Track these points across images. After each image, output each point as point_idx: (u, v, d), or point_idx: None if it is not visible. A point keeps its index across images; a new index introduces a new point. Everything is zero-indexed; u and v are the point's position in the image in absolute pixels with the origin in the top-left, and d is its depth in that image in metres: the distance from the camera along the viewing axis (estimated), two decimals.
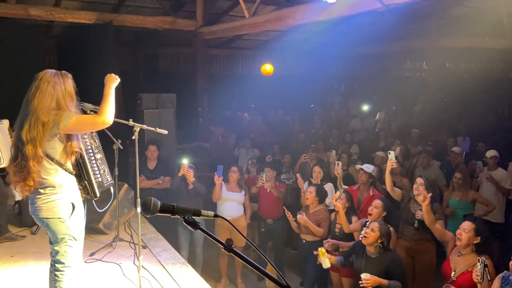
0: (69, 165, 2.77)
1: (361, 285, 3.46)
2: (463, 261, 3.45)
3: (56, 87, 2.71)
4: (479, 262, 3.07)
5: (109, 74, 2.88)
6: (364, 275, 3.46)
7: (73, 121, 2.63)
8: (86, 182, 2.86)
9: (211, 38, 8.57)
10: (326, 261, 3.70)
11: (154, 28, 8.26)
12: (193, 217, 1.24)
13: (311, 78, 12.35)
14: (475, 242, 3.41)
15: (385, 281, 3.45)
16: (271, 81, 10.77)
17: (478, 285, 3.08)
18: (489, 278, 3.04)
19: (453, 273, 3.46)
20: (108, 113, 2.70)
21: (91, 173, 2.87)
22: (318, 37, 11.26)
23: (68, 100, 2.74)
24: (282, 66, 11.06)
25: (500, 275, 3.19)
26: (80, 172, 2.85)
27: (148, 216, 1.24)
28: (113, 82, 2.86)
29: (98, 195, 2.90)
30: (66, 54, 9.20)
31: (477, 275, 3.07)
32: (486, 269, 3.03)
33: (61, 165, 2.72)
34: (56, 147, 2.69)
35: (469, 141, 8.15)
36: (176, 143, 6.88)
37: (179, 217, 1.22)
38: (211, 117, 9.48)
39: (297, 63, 12.00)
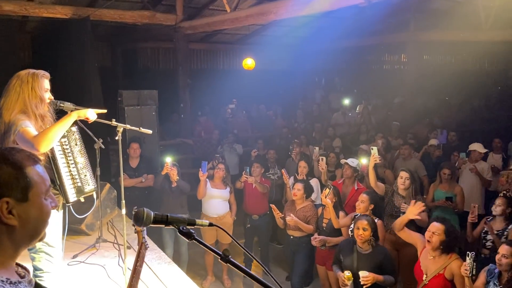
0: None
1: (361, 283, 3.45)
2: (434, 264, 3.43)
3: (23, 86, 2.60)
4: (468, 256, 3.09)
5: (90, 109, 2.76)
6: (362, 273, 3.44)
7: (20, 132, 2.50)
8: (58, 186, 2.76)
9: (192, 33, 8.45)
10: (351, 284, 3.59)
11: (133, 23, 8.09)
12: (187, 227, 1.21)
13: (293, 72, 12.36)
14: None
15: (381, 277, 3.47)
16: (253, 75, 10.73)
17: (466, 279, 3.12)
18: (474, 272, 3.09)
19: (424, 276, 3.46)
20: (43, 140, 2.46)
21: (63, 176, 2.75)
22: (299, 31, 11.26)
23: (34, 102, 2.62)
24: (264, 60, 11.00)
25: (486, 268, 3.26)
26: (53, 176, 2.73)
27: (141, 227, 1.20)
28: (79, 113, 2.72)
29: (70, 200, 2.77)
30: (41, 50, 8.95)
31: (466, 269, 3.09)
32: (475, 263, 3.07)
33: None
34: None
35: (446, 133, 8.33)
36: (159, 140, 6.78)
37: (173, 227, 1.18)
38: (195, 112, 9.41)
39: (278, 57, 11.98)
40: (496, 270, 3.21)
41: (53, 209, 1.16)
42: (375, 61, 14.42)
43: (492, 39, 9.02)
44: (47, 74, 2.77)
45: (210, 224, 1.27)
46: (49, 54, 8.18)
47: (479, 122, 10.46)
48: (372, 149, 4.73)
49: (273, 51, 11.63)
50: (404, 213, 4.40)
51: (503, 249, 3.18)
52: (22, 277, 1.10)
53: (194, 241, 1.19)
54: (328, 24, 10.05)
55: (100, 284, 3.82)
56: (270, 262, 6.10)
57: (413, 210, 3.73)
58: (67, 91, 6.40)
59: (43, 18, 7.41)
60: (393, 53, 14.29)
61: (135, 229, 2.66)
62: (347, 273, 3.54)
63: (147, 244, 2.43)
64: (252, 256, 1.33)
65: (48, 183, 1.13)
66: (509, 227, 4.08)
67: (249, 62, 9.72)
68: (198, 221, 1.25)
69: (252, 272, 4.49)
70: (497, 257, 3.19)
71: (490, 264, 3.30)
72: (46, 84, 2.75)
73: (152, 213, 1.20)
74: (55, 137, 2.54)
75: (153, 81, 9.60)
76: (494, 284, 3.18)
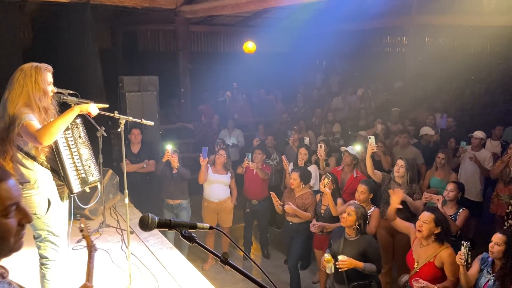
0: (43, 158, 2.73)
1: (337, 266, 3.54)
2: (425, 252, 3.52)
3: (26, 79, 2.66)
4: (463, 245, 3.16)
5: (93, 104, 2.78)
6: (341, 257, 3.52)
7: (24, 125, 2.56)
8: (62, 177, 2.83)
9: (192, 17, 8.42)
10: (331, 266, 3.67)
11: (133, 7, 8.03)
12: (189, 230, 1.29)
13: (293, 55, 12.28)
14: (435, 232, 3.46)
15: (360, 264, 3.53)
16: (253, 58, 10.70)
17: (461, 267, 3.20)
18: (469, 261, 3.17)
19: (416, 264, 3.55)
20: (46, 134, 2.51)
21: (67, 167, 2.82)
22: (300, 13, 11.14)
23: (37, 95, 2.67)
24: (264, 43, 10.95)
25: (480, 256, 3.33)
26: (57, 167, 2.81)
27: (146, 231, 1.29)
28: (81, 107, 2.73)
29: (74, 191, 2.84)
30: (42, 31, 8.90)
31: (460, 258, 3.17)
32: (470, 253, 3.14)
33: (34, 158, 2.69)
34: (24, 140, 2.66)
35: (446, 117, 8.33)
36: (159, 125, 6.85)
37: (176, 231, 1.26)
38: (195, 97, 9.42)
39: (279, 40, 11.90)
40: (490, 259, 3.27)
41: (20, 227, 1.16)
42: (377, 44, 14.31)
43: (494, 23, 8.96)
44: (50, 68, 2.81)
45: (211, 228, 1.35)
46: (50, 35, 8.14)
47: (479, 107, 10.47)
48: (369, 138, 4.78)
49: (274, 33, 11.55)
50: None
51: (496, 237, 3.22)
52: (4, 278, 1.15)
53: (195, 244, 1.27)
54: (330, 6, 9.95)
55: (104, 268, 3.94)
56: (269, 245, 6.25)
57: (394, 199, 3.90)
58: (68, 75, 6.41)
59: (43, 1, 7.36)
60: (394, 36, 14.16)
61: (82, 234, 2.70)
62: (327, 256, 3.64)
63: (95, 246, 2.63)
64: (251, 259, 1.42)
65: (14, 200, 1.13)
66: (459, 211, 4.22)
67: (250, 46, 9.68)
68: (199, 224, 1.33)
69: (251, 255, 4.62)
70: (490, 245, 3.23)
71: (484, 253, 3.35)
72: (49, 77, 2.79)
73: (157, 218, 1.28)
74: (58, 131, 2.59)
75: (154, 64, 9.60)
76: (488, 272, 3.25)
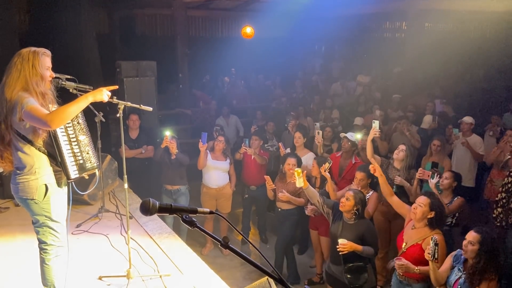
0: (41, 143, 2.72)
1: (337, 250, 3.60)
2: (415, 234, 3.53)
3: (24, 63, 2.64)
4: (432, 240, 3.12)
5: (103, 88, 2.73)
6: (341, 241, 3.59)
7: (27, 110, 2.53)
8: (60, 163, 2.80)
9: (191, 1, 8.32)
10: (300, 181, 3.93)
11: None
12: (190, 215, 1.30)
13: (292, 40, 12.18)
14: (429, 216, 3.47)
15: (359, 247, 3.60)
16: (251, 43, 10.60)
17: (430, 263, 3.17)
18: (436, 256, 3.10)
19: (404, 244, 3.56)
20: (58, 119, 2.52)
21: (64, 154, 2.80)
22: None
23: (35, 80, 2.65)
24: (263, 28, 10.84)
25: (453, 253, 3.28)
26: (54, 152, 2.78)
27: (147, 216, 1.29)
28: (95, 95, 2.70)
29: (71, 177, 2.82)
30: (38, 15, 8.78)
31: (428, 253, 3.14)
32: (437, 247, 3.09)
33: (31, 142, 2.68)
34: (23, 125, 2.64)
35: (442, 103, 8.31)
36: (157, 111, 6.82)
37: (177, 215, 1.27)
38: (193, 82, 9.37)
39: (278, 24, 11.78)
40: (462, 256, 3.20)
41: None
42: (376, 29, 14.18)
43: (494, 8, 8.89)
44: (48, 52, 2.78)
45: (211, 212, 1.36)
46: (47, 20, 8.04)
47: (478, 92, 10.43)
48: (373, 122, 4.76)
49: (273, 18, 11.43)
50: (397, 185, 4.55)
51: (470, 235, 3.11)
52: None
53: (195, 228, 1.28)
54: None
55: (104, 252, 3.98)
56: (267, 230, 6.30)
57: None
58: (65, 60, 6.33)
59: None
60: (394, 21, 14.03)
61: None
62: (297, 169, 3.97)
63: None
64: (250, 242, 1.43)
65: None
66: (454, 199, 4.21)
67: (248, 31, 9.60)
68: (199, 209, 1.34)
69: (249, 240, 4.68)
70: (464, 243, 3.14)
71: (458, 250, 3.29)
72: (47, 62, 2.76)
73: (157, 203, 1.29)
74: (70, 117, 2.61)
75: (151, 49, 9.51)
76: (459, 269, 3.19)
